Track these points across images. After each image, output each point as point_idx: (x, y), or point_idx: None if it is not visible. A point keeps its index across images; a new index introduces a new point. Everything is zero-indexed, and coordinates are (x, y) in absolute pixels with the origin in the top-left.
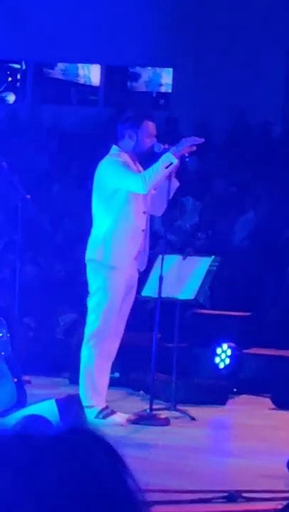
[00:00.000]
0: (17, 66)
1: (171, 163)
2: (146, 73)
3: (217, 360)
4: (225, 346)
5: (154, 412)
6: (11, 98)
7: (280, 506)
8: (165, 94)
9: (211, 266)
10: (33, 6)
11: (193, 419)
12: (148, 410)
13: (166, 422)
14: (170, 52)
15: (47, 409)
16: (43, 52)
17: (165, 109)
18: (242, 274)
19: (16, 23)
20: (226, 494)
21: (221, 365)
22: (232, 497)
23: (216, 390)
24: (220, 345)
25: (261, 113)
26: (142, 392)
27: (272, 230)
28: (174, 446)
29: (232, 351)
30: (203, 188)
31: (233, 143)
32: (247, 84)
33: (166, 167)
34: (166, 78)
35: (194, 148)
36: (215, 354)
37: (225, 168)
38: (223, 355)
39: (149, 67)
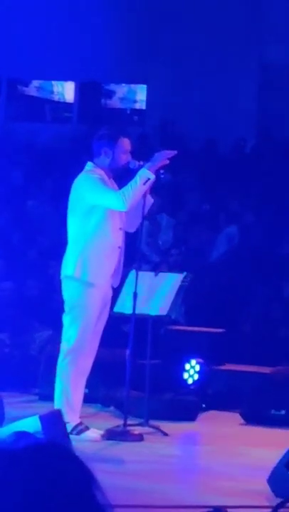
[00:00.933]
0: None
1: (149, 179)
2: (120, 90)
3: (186, 375)
4: (193, 362)
5: (128, 428)
6: None
7: None
8: (139, 110)
9: (182, 282)
10: (6, 22)
11: (166, 434)
12: (121, 426)
13: (139, 437)
14: (143, 68)
15: (31, 425)
16: (17, 69)
17: (139, 126)
18: (216, 290)
19: None
20: (211, 510)
21: (190, 381)
22: None
23: (186, 406)
24: (188, 361)
25: (235, 128)
26: (112, 408)
27: (249, 246)
28: (149, 461)
29: (200, 367)
30: (177, 205)
31: (207, 159)
32: (220, 100)
33: (144, 183)
34: (140, 95)
35: (168, 161)
36: (183, 370)
37: (199, 184)
38: (192, 370)
39: (123, 84)
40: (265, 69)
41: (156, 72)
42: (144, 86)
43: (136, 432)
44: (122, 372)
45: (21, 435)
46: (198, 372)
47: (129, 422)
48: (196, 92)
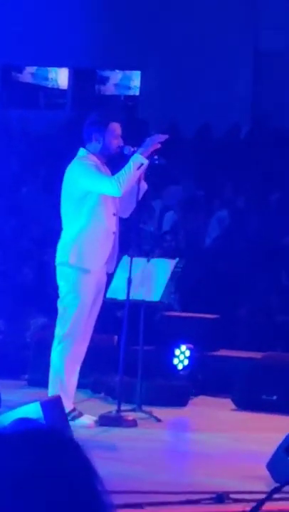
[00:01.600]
0: None
1: (142, 164)
2: (114, 76)
3: (176, 361)
4: (183, 347)
5: (122, 414)
6: None
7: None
8: (133, 97)
9: (175, 268)
10: (0, 9)
11: (159, 420)
12: (113, 412)
13: (133, 423)
14: (137, 54)
15: (32, 411)
16: (11, 55)
17: (133, 112)
18: (211, 276)
19: None
20: (213, 495)
21: (180, 366)
22: (220, 498)
23: (177, 391)
24: (178, 347)
25: (229, 114)
26: (102, 394)
27: (244, 232)
28: (145, 447)
29: (190, 352)
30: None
31: (201, 145)
32: (215, 85)
33: (138, 168)
34: (134, 81)
35: (159, 145)
36: (173, 355)
37: (193, 170)
38: (182, 356)
39: (117, 70)
40: (260, 55)
41: (151, 58)
42: (139, 72)
43: (130, 418)
44: (112, 358)
45: (23, 421)
46: (188, 358)
47: (121, 407)
48: (191, 78)
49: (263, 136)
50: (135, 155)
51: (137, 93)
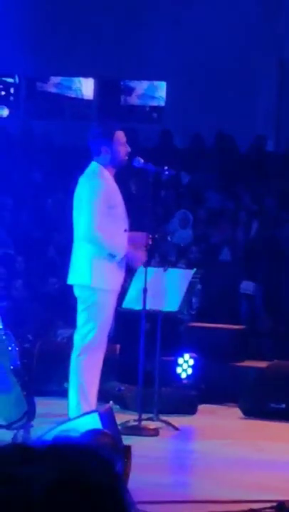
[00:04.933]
0: (10, 80)
1: (114, 257)
2: (139, 87)
3: (179, 370)
4: (187, 356)
5: (143, 423)
6: (5, 112)
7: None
8: (158, 107)
9: (193, 278)
10: (25, 19)
11: (176, 429)
12: (131, 421)
13: (155, 432)
14: (163, 65)
15: (91, 422)
16: (36, 65)
17: (158, 123)
18: (231, 286)
19: (8, 36)
20: (274, 504)
21: (183, 375)
22: (281, 507)
23: (186, 400)
24: (182, 355)
25: (254, 126)
26: (111, 402)
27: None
28: (170, 456)
29: (194, 361)
30: (196, 202)
31: (225, 157)
32: (239, 96)
33: (110, 256)
34: (159, 91)
35: (149, 243)
36: (176, 364)
37: (218, 181)
38: (185, 365)
39: (142, 81)
40: (285, 66)
41: (176, 68)
42: (164, 83)
43: (151, 427)
44: (115, 367)
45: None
46: (192, 367)
47: (134, 416)
48: (215, 89)
49: (287, 149)
50: (117, 257)
51: (162, 103)
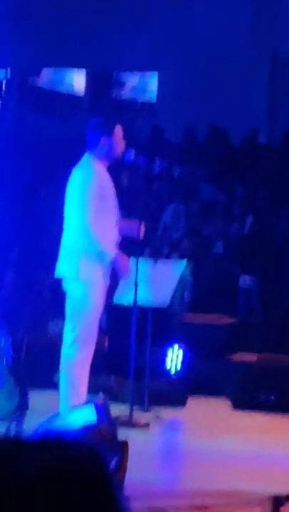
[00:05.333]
0: (1, 75)
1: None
2: (131, 80)
3: (168, 362)
4: (176, 348)
5: (133, 415)
6: None
7: None
8: (150, 101)
9: (184, 270)
10: (18, 13)
11: (167, 421)
12: (122, 414)
13: (146, 425)
14: (155, 59)
15: (87, 414)
16: (27, 57)
17: (150, 117)
18: (224, 279)
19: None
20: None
21: (172, 368)
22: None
23: (175, 392)
24: (171, 347)
25: (246, 120)
26: (101, 394)
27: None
28: (165, 448)
29: (183, 353)
30: (189, 194)
31: (219, 150)
32: (231, 90)
33: (100, 256)
34: (151, 85)
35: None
36: (165, 356)
37: (211, 174)
38: (174, 357)
39: (134, 74)
40: (277, 60)
41: (168, 62)
42: (155, 77)
43: (142, 420)
44: (103, 359)
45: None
46: (181, 359)
47: (124, 408)
48: (208, 83)
49: (280, 142)
50: (108, 256)
51: (154, 97)
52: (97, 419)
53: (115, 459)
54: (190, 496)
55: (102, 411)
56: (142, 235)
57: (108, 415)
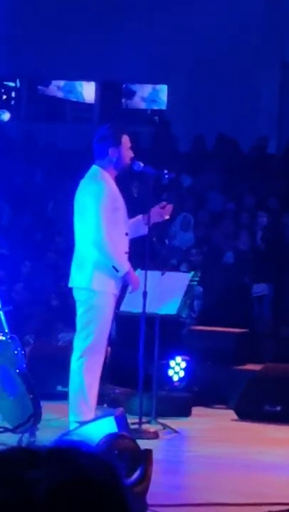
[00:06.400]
0: (12, 84)
1: (117, 271)
2: (141, 90)
3: (171, 372)
4: (179, 359)
5: (143, 426)
6: (6, 116)
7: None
8: (160, 110)
9: (192, 281)
10: (27, 23)
11: (175, 431)
12: (131, 425)
13: (155, 435)
14: (165, 69)
15: (107, 425)
16: (38, 69)
17: (160, 126)
18: (234, 289)
19: (9, 40)
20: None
21: (175, 378)
22: None
23: (180, 402)
24: (173, 358)
25: (255, 129)
26: (105, 405)
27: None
28: (175, 460)
29: (186, 364)
30: (198, 204)
31: (228, 158)
32: (241, 98)
33: (115, 268)
34: (161, 95)
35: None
36: (168, 367)
37: (220, 183)
38: (177, 367)
39: (144, 85)
40: (286, 69)
41: (178, 72)
42: (165, 86)
43: (151, 430)
44: (108, 369)
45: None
46: (184, 369)
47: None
48: (217, 91)
49: None
50: (121, 271)
51: (164, 107)
52: (118, 430)
53: (140, 468)
54: (195, 505)
55: (122, 422)
56: (167, 216)
57: (127, 426)
